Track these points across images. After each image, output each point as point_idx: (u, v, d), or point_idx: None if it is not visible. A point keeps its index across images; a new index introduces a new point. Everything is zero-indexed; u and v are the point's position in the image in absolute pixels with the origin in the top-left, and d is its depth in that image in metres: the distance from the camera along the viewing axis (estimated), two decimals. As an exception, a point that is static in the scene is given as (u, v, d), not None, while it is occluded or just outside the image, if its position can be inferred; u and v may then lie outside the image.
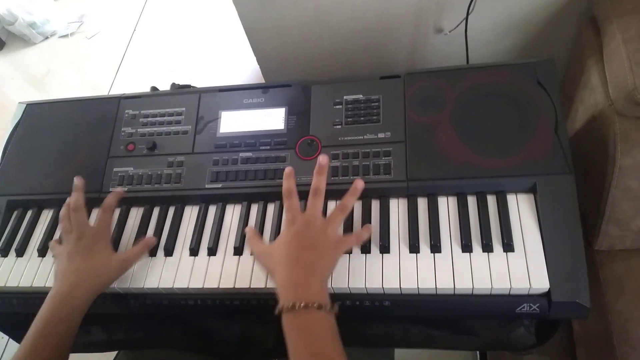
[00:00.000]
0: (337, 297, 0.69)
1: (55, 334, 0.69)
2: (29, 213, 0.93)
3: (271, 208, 0.83)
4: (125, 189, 0.88)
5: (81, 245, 0.76)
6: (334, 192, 0.80)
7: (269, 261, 0.70)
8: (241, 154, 0.86)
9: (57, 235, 0.88)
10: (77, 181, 0.84)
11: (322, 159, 0.74)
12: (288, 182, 0.75)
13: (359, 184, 0.74)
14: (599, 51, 0.91)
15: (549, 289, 0.67)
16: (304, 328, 0.60)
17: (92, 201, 0.90)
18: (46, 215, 0.92)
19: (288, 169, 0.76)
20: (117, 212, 0.89)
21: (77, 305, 0.71)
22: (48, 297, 0.71)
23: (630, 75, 0.79)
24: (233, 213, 0.85)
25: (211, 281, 0.78)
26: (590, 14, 0.98)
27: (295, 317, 0.61)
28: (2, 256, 0.89)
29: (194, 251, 0.81)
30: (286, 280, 0.65)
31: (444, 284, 0.70)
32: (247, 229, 0.78)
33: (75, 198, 0.81)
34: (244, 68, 2.19)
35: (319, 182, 0.73)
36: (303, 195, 0.81)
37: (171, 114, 0.93)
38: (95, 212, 0.90)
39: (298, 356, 0.58)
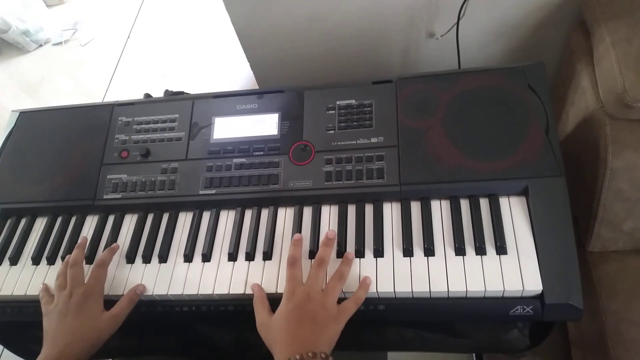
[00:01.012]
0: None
1: None
2: (23, 221, 0.93)
3: (265, 214, 0.84)
4: (119, 196, 0.88)
5: (72, 303, 0.74)
6: (329, 197, 0.81)
7: (268, 335, 0.68)
8: (235, 160, 0.87)
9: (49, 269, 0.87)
10: (81, 239, 0.84)
11: (330, 233, 0.75)
12: (294, 250, 0.74)
13: (350, 255, 0.74)
14: (589, 54, 0.92)
15: (542, 291, 0.67)
16: None
17: (86, 208, 0.90)
18: (40, 223, 0.92)
19: (297, 236, 0.76)
20: (111, 219, 0.89)
21: None
22: None
23: (620, 78, 0.80)
24: (227, 219, 0.85)
25: (205, 287, 0.78)
26: (580, 18, 0.99)
27: None
28: (-5, 265, 0.88)
29: (188, 257, 0.81)
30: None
31: (438, 288, 0.70)
32: (254, 288, 0.75)
33: (74, 254, 0.80)
34: (238, 74, 2.19)
35: (324, 253, 0.73)
36: (297, 199, 0.82)
37: (164, 121, 0.93)
38: (89, 219, 0.90)
39: None
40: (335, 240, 0.76)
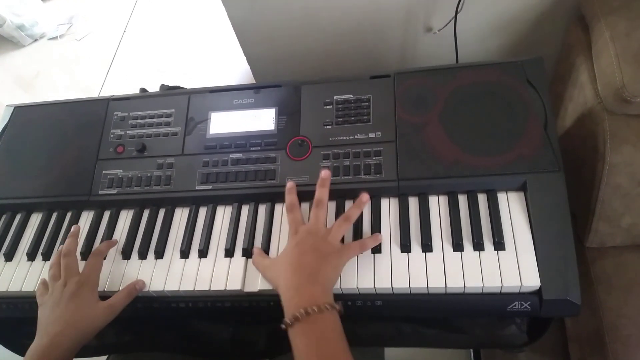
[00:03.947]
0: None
1: None
2: (18, 217, 0.92)
3: (262, 209, 0.83)
4: (115, 191, 0.87)
5: (66, 292, 0.73)
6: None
7: (273, 273, 0.70)
8: (231, 155, 0.86)
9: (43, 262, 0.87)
10: (74, 228, 0.83)
11: (324, 173, 0.75)
12: (290, 197, 0.76)
13: (365, 198, 0.74)
14: (588, 49, 0.91)
15: (540, 286, 0.67)
16: (313, 332, 0.60)
17: (81, 204, 0.89)
18: (35, 219, 0.91)
19: (290, 184, 0.77)
20: (106, 215, 0.88)
21: (59, 357, 0.68)
22: (28, 352, 0.68)
23: (619, 73, 0.79)
24: (224, 215, 0.84)
25: (202, 283, 0.77)
26: (579, 13, 0.99)
27: (305, 325, 0.60)
28: (-10, 261, 0.88)
29: (184, 253, 0.81)
30: (289, 286, 0.64)
31: (436, 283, 0.70)
32: (254, 249, 0.78)
33: (67, 243, 0.79)
34: (234, 69, 2.18)
35: (321, 194, 0.74)
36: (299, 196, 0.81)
37: (160, 116, 0.92)
38: (84, 215, 0.89)
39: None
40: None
